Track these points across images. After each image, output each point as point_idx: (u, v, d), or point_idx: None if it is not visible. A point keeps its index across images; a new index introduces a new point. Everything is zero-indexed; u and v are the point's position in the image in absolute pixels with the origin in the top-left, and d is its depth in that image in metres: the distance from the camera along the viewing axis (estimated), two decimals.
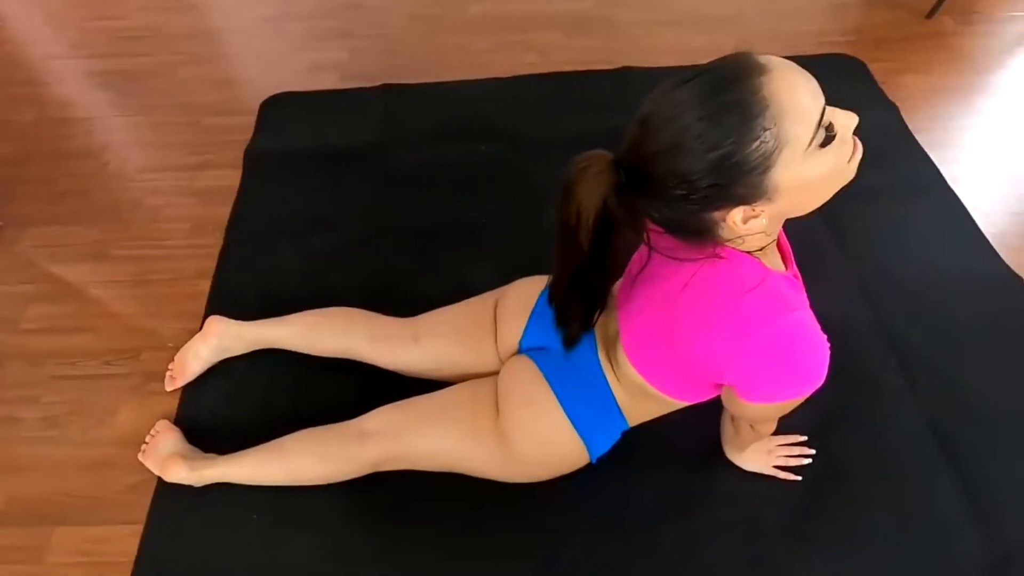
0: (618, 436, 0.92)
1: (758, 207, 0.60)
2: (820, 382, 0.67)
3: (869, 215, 1.33)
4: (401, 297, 1.15)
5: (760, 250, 0.67)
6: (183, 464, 0.97)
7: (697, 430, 1.00)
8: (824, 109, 0.57)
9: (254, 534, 0.97)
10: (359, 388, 1.09)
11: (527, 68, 1.73)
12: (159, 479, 1.01)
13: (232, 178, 1.51)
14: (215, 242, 1.38)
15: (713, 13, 1.92)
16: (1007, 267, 1.25)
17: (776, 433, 0.96)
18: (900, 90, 1.65)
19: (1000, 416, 1.05)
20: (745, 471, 0.99)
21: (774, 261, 0.72)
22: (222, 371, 1.15)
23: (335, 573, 0.93)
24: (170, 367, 1.15)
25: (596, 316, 0.81)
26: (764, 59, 0.57)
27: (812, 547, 0.93)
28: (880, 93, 1.62)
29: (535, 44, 1.84)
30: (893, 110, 1.57)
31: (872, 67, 1.70)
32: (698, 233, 0.63)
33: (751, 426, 0.84)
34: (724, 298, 0.66)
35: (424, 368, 1.04)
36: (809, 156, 0.57)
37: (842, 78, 1.61)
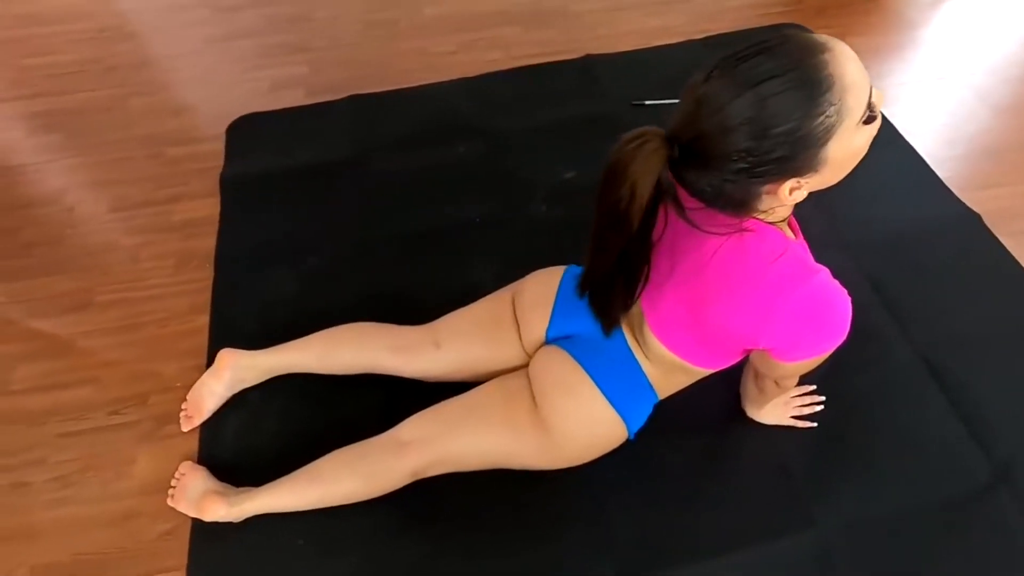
0: (651, 410, 0.95)
1: (804, 179, 0.64)
2: (846, 335, 0.71)
3: None
4: (406, 306, 1.15)
5: (782, 221, 0.72)
6: (221, 501, 0.95)
7: (717, 394, 1.05)
8: (871, 85, 0.62)
9: (301, 560, 0.96)
10: (381, 401, 1.09)
11: (491, 65, 1.75)
12: (193, 521, 0.99)
13: (209, 207, 1.47)
14: (204, 275, 1.34)
15: None
16: (964, 206, 1.35)
17: None
18: None
19: (981, 339, 1.15)
20: (766, 425, 1.05)
21: (787, 232, 0.77)
22: (238, 403, 1.13)
23: None
24: (184, 407, 1.12)
25: (637, 298, 0.82)
26: (822, 37, 0.60)
27: (837, 482, 1.00)
28: None
29: (496, 41, 1.85)
30: None
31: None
32: (741, 204, 0.66)
33: (776, 383, 0.89)
34: (753, 267, 0.70)
35: (448, 371, 1.05)
36: (857, 130, 0.62)
37: None
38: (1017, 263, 1.25)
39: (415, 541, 0.98)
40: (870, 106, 0.62)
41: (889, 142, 1.48)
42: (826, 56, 0.59)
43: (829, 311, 0.70)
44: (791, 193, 0.65)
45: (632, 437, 0.95)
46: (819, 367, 0.80)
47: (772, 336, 0.72)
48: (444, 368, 1.05)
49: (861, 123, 0.62)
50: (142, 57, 1.90)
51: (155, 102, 1.76)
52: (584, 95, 1.66)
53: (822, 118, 0.59)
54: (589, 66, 1.72)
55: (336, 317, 1.14)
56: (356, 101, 1.66)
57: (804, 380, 1.07)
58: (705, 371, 0.92)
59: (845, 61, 0.60)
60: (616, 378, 0.90)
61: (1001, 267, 1.24)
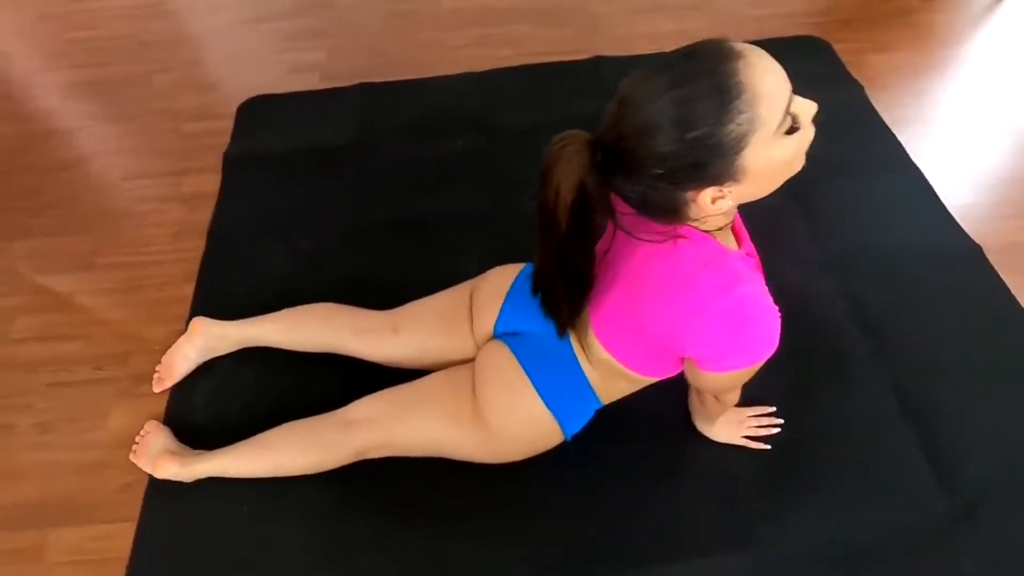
0: (591, 415, 0.95)
1: (726, 188, 0.63)
2: (772, 351, 0.70)
3: (836, 190, 1.37)
4: (388, 292, 1.17)
5: (719, 230, 0.71)
6: (174, 460, 1.00)
7: (668, 404, 1.04)
8: (791, 96, 0.60)
9: (245, 526, 1.00)
10: (344, 381, 1.12)
11: (502, 61, 1.76)
12: (151, 477, 1.04)
13: (216, 182, 1.54)
14: (201, 246, 1.40)
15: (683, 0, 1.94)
16: (968, 237, 1.28)
17: (744, 404, 0.99)
18: (870, 69, 1.68)
19: (959, 374, 1.09)
20: (717, 442, 1.03)
21: (729, 241, 0.75)
22: (208, 371, 1.18)
23: (325, 561, 0.96)
24: (157, 369, 1.18)
25: (585, 300, 0.82)
26: (739, 46, 0.59)
27: (786, 506, 0.97)
28: (845, 72, 1.65)
29: (509, 37, 1.86)
30: (858, 89, 1.60)
31: (842, 47, 1.72)
32: (669, 212, 0.66)
33: (715, 397, 0.87)
34: (683, 274, 0.69)
35: (405, 358, 1.07)
36: (775, 140, 0.60)
37: (809, 59, 1.65)
38: (1013, 298, 1.18)
39: (364, 518, 1.00)
40: (792, 117, 0.61)
41: (893, 162, 1.42)
42: (738, 64, 0.58)
43: (752, 323, 0.68)
44: (714, 202, 0.64)
45: (568, 439, 0.94)
46: (760, 382, 0.78)
47: (696, 344, 0.72)
48: (401, 354, 1.07)
49: (781, 134, 0.61)
50: (174, 35, 1.99)
51: (180, 78, 1.84)
52: (590, 96, 1.61)
53: (732, 125, 0.58)
54: (597, 67, 1.71)
55: (319, 298, 1.17)
56: (365, 89, 1.70)
57: (765, 400, 1.05)
58: (647, 379, 0.91)
59: (759, 70, 0.58)
60: (555, 380, 0.90)
61: (994, 301, 1.18)
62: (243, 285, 1.32)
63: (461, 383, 0.95)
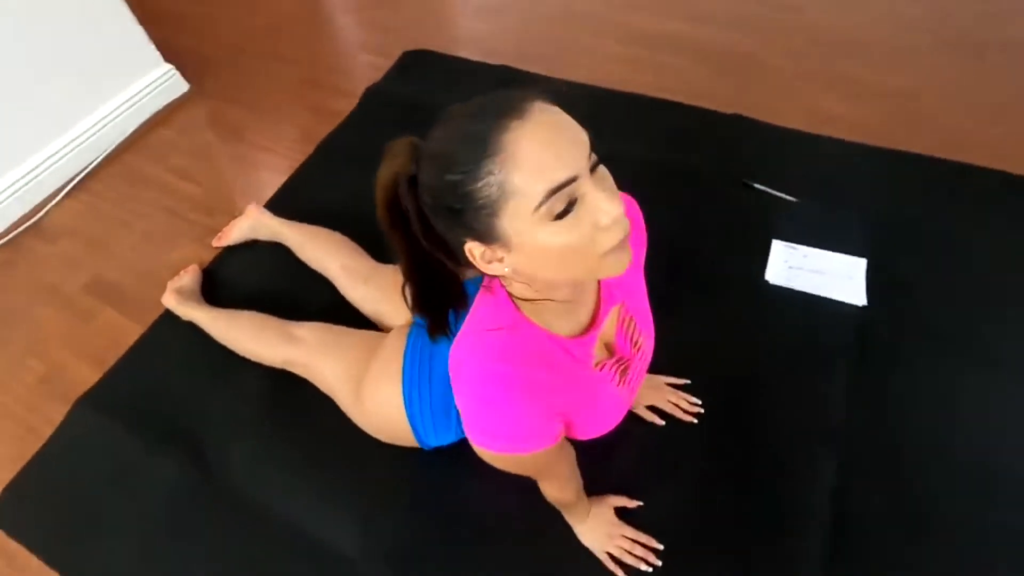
0: (454, 439, 0.97)
1: (496, 250, 0.57)
2: (510, 444, 0.65)
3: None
4: None
5: (531, 302, 0.64)
6: (179, 298, 1.28)
7: None
8: (571, 180, 0.51)
9: (201, 370, 1.24)
10: (323, 305, 1.27)
11: (639, 86, 1.70)
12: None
13: (349, 107, 1.80)
14: (308, 152, 1.68)
15: (882, 83, 1.64)
16: None
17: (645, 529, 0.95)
18: None
19: None
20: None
21: (561, 322, 0.68)
22: (249, 247, 1.45)
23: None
24: (223, 230, 1.48)
25: (443, 313, 0.74)
26: (534, 105, 0.52)
27: None
28: None
29: (661, 65, 1.79)
30: None
31: None
32: (448, 252, 0.60)
33: (548, 484, 0.84)
34: (466, 328, 0.67)
35: (363, 307, 1.19)
36: (539, 221, 0.53)
37: None
38: None
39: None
40: (570, 203, 0.52)
41: None
42: (513, 122, 0.51)
43: (485, 405, 0.64)
44: (487, 262, 0.58)
45: (425, 448, 0.98)
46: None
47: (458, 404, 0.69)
48: (360, 303, 1.20)
49: (548, 217, 0.52)
50: None
51: (388, 16, 2.14)
52: (705, 151, 1.53)
53: (482, 184, 0.52)
54: (733, 126, 1.56)
55: (353, 228, 1.33)
56: (505, 72, 1.80)
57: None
58: None
59: (528, 136, 0.51)
60: (425, 392, 0.93)
61: None
62: (315, 198, 1.55)
63: (372, 352, 1.03)
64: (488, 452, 0.67)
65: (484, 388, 0.63)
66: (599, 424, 0.78)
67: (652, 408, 1.09)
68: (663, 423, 1.08)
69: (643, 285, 0.84)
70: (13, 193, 1.65)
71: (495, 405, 0.63)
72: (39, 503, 1.12)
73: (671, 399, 1.09)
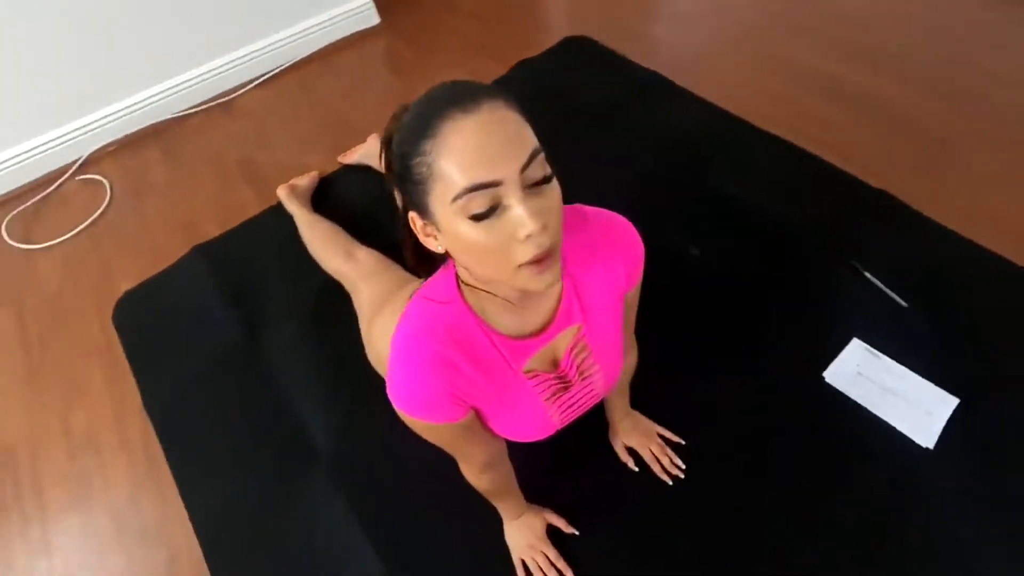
0: None
1: (431, 228, 0.58)
2: (410, 408, 0.66)
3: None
4: None
5: (472, 288, 0.65)
6: (290, 193, 1.52)
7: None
8: (492, 183, 0.52)
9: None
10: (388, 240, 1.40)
11: (778, 125, 1.57)
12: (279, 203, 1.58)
13: (493, 76, 1.90)
14: None
15: None
16: None
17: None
18: None
19: None
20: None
21: (502, 319, 0.68)
22: (361, 171, 1.64)
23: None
24: (350, 150, 1.69)
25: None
26: (484, 103, 0.53)
27: None
28: None
29: (815, 109, 1.63)
30: None
31: None
32: (402, 211, 0.62)
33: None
34: (419, 291, 0.70)
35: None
36: (456, 214, 0.54)
37: None
38: None
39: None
40: (489, 208, 0.53)
41: None
42: (460, 113, 0.52)
43: (393, 365, 0.66)
44: (426, 236, 0.60)
45: None
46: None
47: None
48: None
49: (463, 214, 0.53)
50: None
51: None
52: (824, 214, 1.37)
53: (418, 161, 0.54)
54: (871, 199, 1.38)
55: None
56: (649, 77, 1.77)
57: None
58: None
59: (464, 128, 0.52)
60: None
61: None
62: None
63: (401, 286, 1.13)
64: (398, 410, 0.69)
65: (401, 350, 0.66)
66: (516, 429, 0.78)
67: (631, 450, 1.06)
68: (636, 469, 1.04)
69: (618, 318, 0.78)
70: (219, 73, 2.02)
71: (404, 368, 0.66)
72: (141, 315, 1.42)
73: (655, 450, 1.05)
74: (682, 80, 1.74)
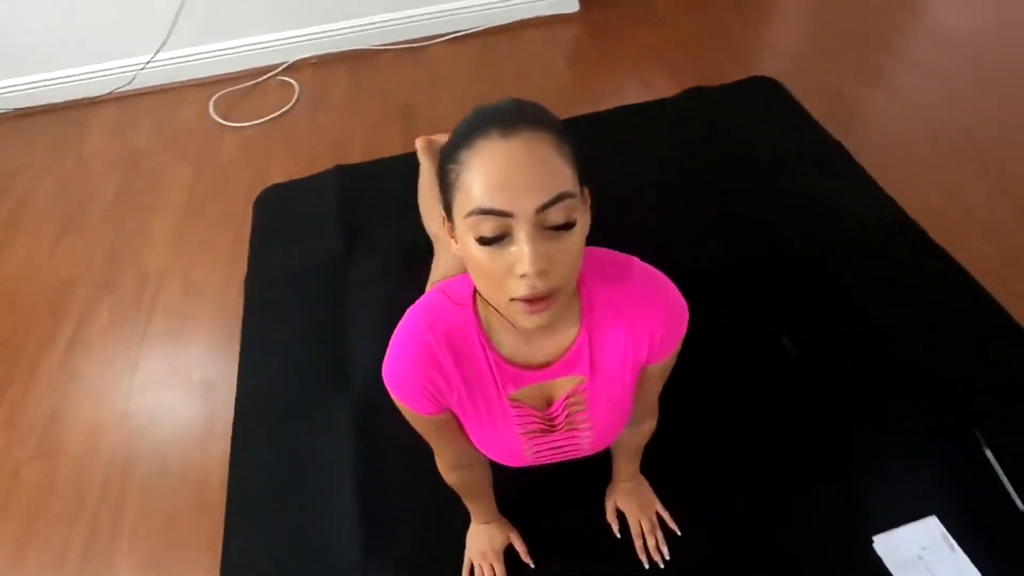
0: None
1: (453, 232, 0.59)
2: (389, 384, 0.70)
3: None
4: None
5: (483, 300, 0.65)
6: (425, 143, 1.61)
7: None
8: (502, 213, 0.52)
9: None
10: None
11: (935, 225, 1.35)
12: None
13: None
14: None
15: None
16: None
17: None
18: None
19: None
20: None
21: (505, 340, 0.68)
22: None
23: None
24: None
25: None
26: (526, 130, 0.53)
27: None
28: None
29: (1006, 237, 1.36)
30: None
31: None
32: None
33: None
34: (445, 280, 0.73)
35: None
36: (468, 229, 0.54)
37: None
38: None
39: None
40: (495, 234, 0.53)
41: None
42: (494, 132, 0.53)
43: (392, 342, 0.69)
44: (449, 235, 0.61)
45: None
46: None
47: None
48: None
49: (472, 225, 0.53)
50: None
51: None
52: (967, 367, 1.14)
53: (451, 167, 0.56)
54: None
55: None
56: (814, 137, 1.61)
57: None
58: None
59: (492, 154, 0.52)
60: None
61: None
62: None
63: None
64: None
65: (400, 330, 0.69)
66: (487, 447, 0.78)
67: (622, 515, 1.00)
68: (618, 536, 0.98)
69: (627, 385, 0.74)
70: (418, 21, 2.20)
71: (394, 347, 0.69)
72: (275, 207, 1.64)
73: (644, 525, 0.98)
74: (864, 157, 1.55)
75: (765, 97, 1.79)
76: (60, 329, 1.44)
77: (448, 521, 1.00)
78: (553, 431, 0.76)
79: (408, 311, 0.71)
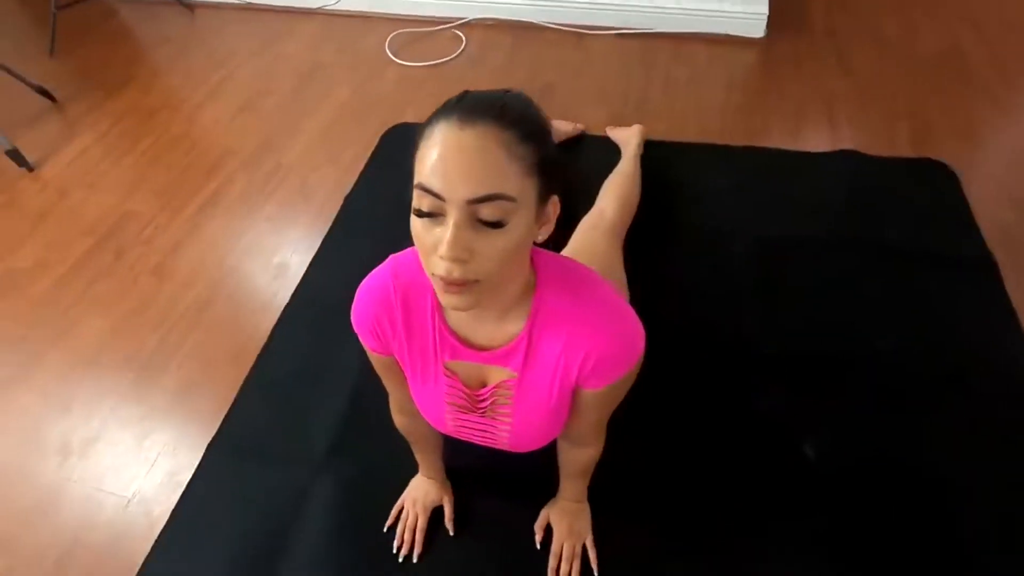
0: None
1: None
2: (353, 316, 0.77)
3: None
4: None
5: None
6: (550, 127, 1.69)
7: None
8: (436, 194, 0.55)
9: None
10: None
11: None
12: None
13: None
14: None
15: None
16: None
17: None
18: None
19: None
20: None
21: (456, 312, 0.71)
22: (614, 147, 1.72)
23: None
24: (622, 128, 1.77)
25: None
26: (482, 124, 0.55)
27: None
28: None
29: None
30: None
31: None
32: None
33: None
34: None
35: None
36: (414, 197, 0.58)
37: None
38: None
39: None
40: (434, 212, 0.57)
41: None
42: (455, 119, 0.56)
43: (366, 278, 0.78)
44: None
45: None
46: None
47: None
48: None
49: (415, 205, 0.58)
50: None
51: None
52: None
53: (418, 140, 0.60)
54: None
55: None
56: (977, 262, 1.39)
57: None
58: None
59: (445, 138, 0.56)
60: None
61: None
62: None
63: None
64: None
65: (377, 269, 0.76)
66: (418, 400, 0.83)
67: (548, 528, 1.01)
68: (538, 546, 1.00)
69: (551, 398, 0.75)
70: (592, 11, 2.21)
71: (365, 280, 0.76)
72: (393, 145, 1.80)
73: (566, 548, 0.98)
74: (1018, 291, 1.31)
75: (930, 183, 1.56)
76: (207, 186, 1.77)
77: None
78: (473, 411, 0.80)
79: (392, 255, 0.76)
